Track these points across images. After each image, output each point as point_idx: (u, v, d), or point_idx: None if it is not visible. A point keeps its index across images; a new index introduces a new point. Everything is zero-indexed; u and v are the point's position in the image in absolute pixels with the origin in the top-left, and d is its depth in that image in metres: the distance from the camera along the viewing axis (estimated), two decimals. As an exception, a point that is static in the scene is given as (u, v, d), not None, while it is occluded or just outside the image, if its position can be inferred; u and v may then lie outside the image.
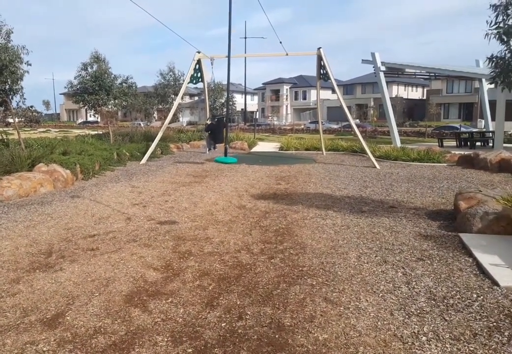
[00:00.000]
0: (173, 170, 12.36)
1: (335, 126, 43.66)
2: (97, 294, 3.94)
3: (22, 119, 12.69)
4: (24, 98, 11.88)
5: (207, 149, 14.05)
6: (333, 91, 60.35)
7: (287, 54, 15.01)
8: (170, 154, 17.24)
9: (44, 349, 3.04)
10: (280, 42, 13.70)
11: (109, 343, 3.11)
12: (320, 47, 14.41)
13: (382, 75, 19.77)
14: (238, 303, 3.76)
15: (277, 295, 3.91)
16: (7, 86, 11.31)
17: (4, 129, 13.69)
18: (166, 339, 3.18)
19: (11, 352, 2.99)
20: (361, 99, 59.71)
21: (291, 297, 3.87)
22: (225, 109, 29.22)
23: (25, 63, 11.45)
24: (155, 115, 42.67)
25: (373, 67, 20.22)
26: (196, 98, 70.40)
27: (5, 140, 12.51)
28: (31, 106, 12.59)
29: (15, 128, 12.38)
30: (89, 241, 5.57)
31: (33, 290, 4.03)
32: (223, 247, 5.32)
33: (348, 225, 6.29)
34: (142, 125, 38.03)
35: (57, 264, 4.71)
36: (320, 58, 14.69)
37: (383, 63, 19.79)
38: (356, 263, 4.73)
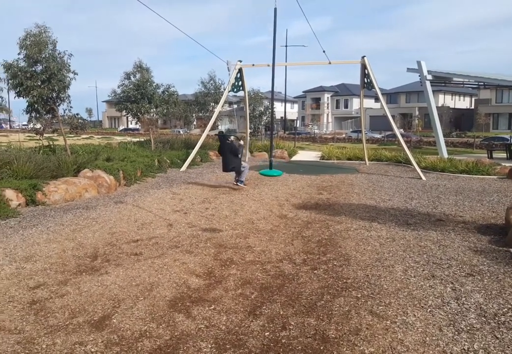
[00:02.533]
0: (212, 178, 12.55)
1: (378, 136, 43.10)
2: (142, 298, 4.06)
3: (68, 127, 13.25)
4: (71, 106, 12.44)
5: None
6: (376, 100, 59.94)
7: (330, 63, 15.03)
8: (209, 162, 17.51)
9: (92, 350, 3.16)
10: (324, 51, 13.77)
11: (154, 347, 3.21)
12: (364, 56, 14.39)
13: (428, 84, 19.40)
14: (281, 313, 3.78)
15: (321, 307, 3.91)
16: (55, 94, 11.87)
17: (50, 135, 14.34)
18: (210, 346, 3.24)
19: (61, 352, 3.13)
20: (405, 108, 58.74)
21: (336, 309, 3.86)
22: (264, 118, 29.43)
23: (71, 72, 12.00)
24: (195, 122, 43.45)
25: (419, 75, 19.88)
26: (235, 106, 71.20)
27: (52, 146, 13.10)
28: (77, 114, 13.16)
29: (61, 134, 12.96)
30: (132, 246, 5.75)
31: (80, 292, 4.20)
32: (264, 256, 5.36)
33: (393, 238, 6.20)
34: (181, 132, 38.82)
35: (102, 267, 4.89)
36: (364, 67, 14.65)
37: (429, 72, 19.43)
38: (402, 277, 4.66)
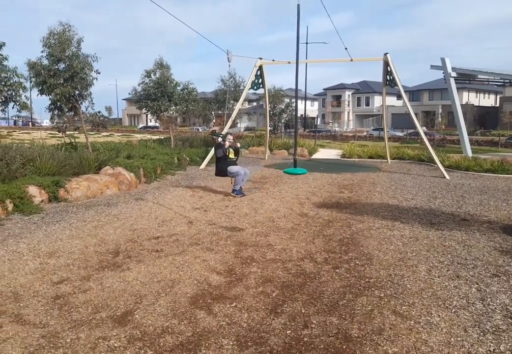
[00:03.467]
0: (232, 176, 12.58)
1: (400, 134, 42.59)
2: (163, 294, 4.11)
3: (90, 124, 13.45)
4: (93, 103, 12.60)
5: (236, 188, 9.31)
6: (398, 97, 59.28)
7: (351, 60, 14.90)
8: (229, 160, 17.53)
9: (116, 345, 3.21)
10: (346, 48, 13.64)
11: (176, 343, 3.24)
12: (387, 53, 14.23)
13: (452, 81, 19.09)
14: (303, 311, 3.78)
15: (343, 306, 3.89)
16: (77, 92, 12.05)
17: (71, 132, 14.57)
18: (231, 343, 3.26)
19: (85, 346, 3.19)
20: (428, 106, 57.89)
21: (358, 308, 3.84)
22: (284, 115, 29.36)
23: (94, 71, 12.15)
24: (214, 120, 43.62)
25: (443, 73, 19.58)
26: (255, 103, 71.26)
27: (74, 143, 13.32)
28: (99, 112, 13.35)
29: (82, 132, 13.17)
30: (153, 242, 5.81)
31: (103, 287, 4.27)
32: (285, 254, 5.36)
33: (417, 237, 6.13)
34: (200, 130, 39.00)
35: (124, 263, 4.96)
36: (386, 64, 14.49)
37: (453, 69, 19.11)
38: (426, 277, 4.61)
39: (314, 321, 3.60)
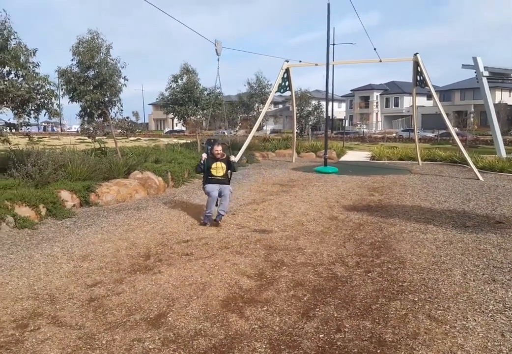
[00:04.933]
0: (259, 179, 12.65)
1: (430, 135, 41.92)
2: (195, 297, 4.17)
3: (119, 130, 13.76)
4: (121, 109, 12.90)
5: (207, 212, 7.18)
6: (429, 97, 58.39)
7: (380, 61, 14.83)
8: (255, 163, 17.63)
9: (150, 347, 3.29)
10: (375, 49, 13.60)
11: (209, 346, 3.30)
12: (417, 53, 14.13)
13: (485, 80, 18.67)
14: (336, 315, 3.79)
15: (377, 310, 3.88)
16: (106, 99, 12.35)
17: (100, 138, 14.92)
18: (264, 346, 3.29)
19: (121, 348, 3.28)
20: (460, 106, 56.78)
21: (392, 312, 3.82)
22: (312, 118, 29.33)
23: (122, 78, 12.43)
24: (239, 124, 43.84)
25: (475, 72, 19.18)
26: (280, 106, 71.30)
27: (103, 148, 13.63)
28: (127, 117, 13.67)
29: (111, 137, 13.48)
30: (183, 246, 5.90)
31: (136, 290, 4.37)
32: (316, 258, 5.36)
33: (451, 241, 6.04)
34: (226, 133, 39.30)
35: (155, 267, 5.06)
36: (417, 64, 14.36)
37: (485, 68, 18.69)
38: (461, 281, 4.55)
39: (347, 325, 3.60)
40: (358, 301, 4.07)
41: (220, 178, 7.28)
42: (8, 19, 8.29)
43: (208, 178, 7.30)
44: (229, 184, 7.44)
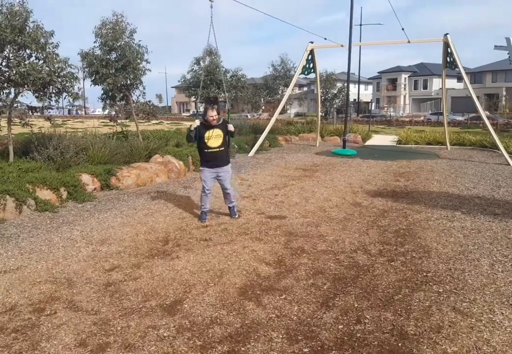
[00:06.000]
0: (281, 163, 12.52)
1: (460, 118, 40.89)
2: (212, 284, 4.14)
3: (140, 113, 13.78)
4: (144, 92, 12.87)
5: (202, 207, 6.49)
6: (459, 80, 56.76)
7: (409, 42, 14.42)
8: (278, 147, 17.48)
9: (165, 334, 3.27)
10: (403, 29, 13.23)
11: (225, 335, 3.25)
12: (447, 33, 13.69)
13: (518, 62, 18.02)
14: (356, 305, 3.70)
15: (399, 301, 3.77)
16: (129, 82, 12.32)
17: (122, 121, 14.99)
18: (281, 336, 3.23)
19: (135, 335, 3.27)
20: (491, 89, 55.02)
21: (415, 304, 3.71)
22: (337, 101, 28.92)
23: (144, 61, 12.35)
24: (263, 107, 43.60)
25: (508, 53, 18.52)
26: (305, 88, 70.49)
27: (124, 132, 13.70)
28: (149, 101, 13.67)
29: (133, 120, 13.52)
30: (202, 231, 5.87)
31: (153, 276, 4.36)
32: (337, 246, 5.26)
33: (479, 229, 5.85)
34: (249, 117, 39.12)
35: (173, 252, 5.05)
36: (447, 45, 13.91)
37: (519, 49, 18.02)
38: (489, 272, 4.39)
39: (368, 316, 3.51)
40: (380, 291, 3.96)
41: (217, 150, 6.13)
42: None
43: (204, 153, 6.23)
44: (228, 160, 6.42)
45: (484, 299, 3.78)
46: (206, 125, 6.11)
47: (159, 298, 3.86)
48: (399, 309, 3.61)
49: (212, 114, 6.04)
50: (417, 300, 3.78)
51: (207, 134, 6.08)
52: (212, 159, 6.20)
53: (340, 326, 3.37)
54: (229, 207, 6.59)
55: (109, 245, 5.32)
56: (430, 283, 4.12)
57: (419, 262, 4.67)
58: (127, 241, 5.46)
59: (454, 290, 3.97)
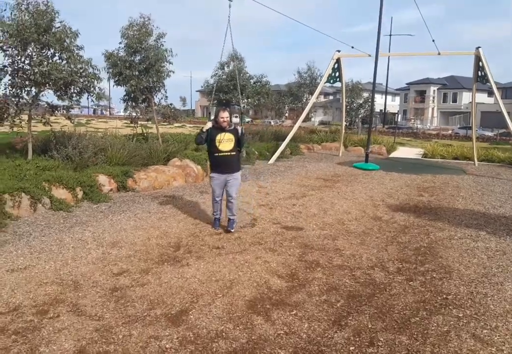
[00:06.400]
0: (302, 172, 12.38)
1: (489, 134, 40.02)
2: (220, 295, 4.03)
3: (161, 116, 13.83)
4: (166, 95, 12.93)
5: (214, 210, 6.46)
6: (489, 94, 55.74)
7: (439, 53, 14.21)
8: (299, 155, 17.34)
9: (167, 346, 3.17)
10: (433, 40, 13.03)
11: (229, 350, 3.14)
12: (479, 47, 13.43)
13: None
14: (370, 326, 3.54)
15: (416, 324, 3.59)
16: (151, 84, 12.39)
17: (144, 123, 15.07)
18: (288, 355, 3.11)
19: (136, 345, 3.18)
20: (524, 104, 53.82)
21: (432, 328, 3.53)
22: (362, 111, 28.65)
23: (167, 62, 12.40)
24: (286, 114, 43.51)
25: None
26: (331, 97, 70.22)
27: (145, 134, 13.76)
28: (171, 104, 13.72)
29: (154, 123, 13.58)
30: (215, 238, 5.78)
31: (161, 283, 4.28)
32: (354, 261, 5.10)
33: (504, 251, 5.61)
34: (272, 123, 39.06)
35: (184, 258, 4.96)
36: (478, 59, 13.62)
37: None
38: (514, 297, 4.18)
39: (382, 339, 3.35)
40: (396, 312, 3.80)
41: (228, 154, 5.98)
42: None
43: (214, 158, 6.06)
44: (239, 168, 6.29)
45: (507, 327, 3.58)
46: (218, 128, 5.97)
47: (164, 307, 3.77)
48: (415, 333, 3.44)
49: (224, 115, 5.89)
50: (435, 324, 3.60)
51: (218, 137, 5.93)
52: (223, 164, 6.04)
53: (351, 348, 3.22)
54: (229, 219, 6.25)
55: (120, 248, 5.27)
56: (450, 307, 3.93)
57: (439, 283, 4.48)
58: (138, 245, 5.41)
59: (475, 316, 3.78)
